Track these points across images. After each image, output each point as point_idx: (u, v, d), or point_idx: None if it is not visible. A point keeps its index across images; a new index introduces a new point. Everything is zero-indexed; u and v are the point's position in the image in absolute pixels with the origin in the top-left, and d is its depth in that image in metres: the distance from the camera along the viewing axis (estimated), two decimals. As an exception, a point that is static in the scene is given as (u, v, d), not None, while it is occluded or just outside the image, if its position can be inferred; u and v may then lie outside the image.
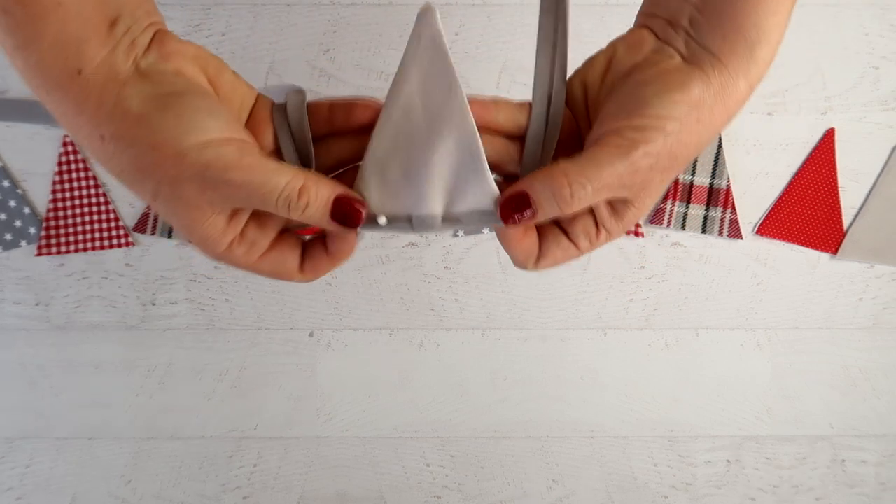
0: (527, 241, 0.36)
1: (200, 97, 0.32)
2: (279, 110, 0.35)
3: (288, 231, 0.36)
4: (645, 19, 0.36)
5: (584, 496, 0.75)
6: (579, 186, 0.32)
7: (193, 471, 0.75)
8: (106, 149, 0.31)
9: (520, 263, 0.38)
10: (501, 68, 0.73)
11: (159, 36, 0.32)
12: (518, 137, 0.37)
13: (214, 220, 0.32)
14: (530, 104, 0.37)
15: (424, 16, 0.32)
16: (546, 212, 0.33)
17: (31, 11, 0.28)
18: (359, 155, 0.35)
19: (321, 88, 0.73)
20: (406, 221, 0.35)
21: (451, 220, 0.35)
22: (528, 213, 0.33)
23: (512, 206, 0.33)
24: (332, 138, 0.37)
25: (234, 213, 0.33)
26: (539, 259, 0.37)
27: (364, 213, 0.34)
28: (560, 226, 0.37)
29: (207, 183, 0.31)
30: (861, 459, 0.75)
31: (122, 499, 0.75)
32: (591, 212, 0.36)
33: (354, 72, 0.73)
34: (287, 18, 0.73)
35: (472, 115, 0.33)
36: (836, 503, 0.75)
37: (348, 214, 0.33)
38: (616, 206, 0.35)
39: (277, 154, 0.36)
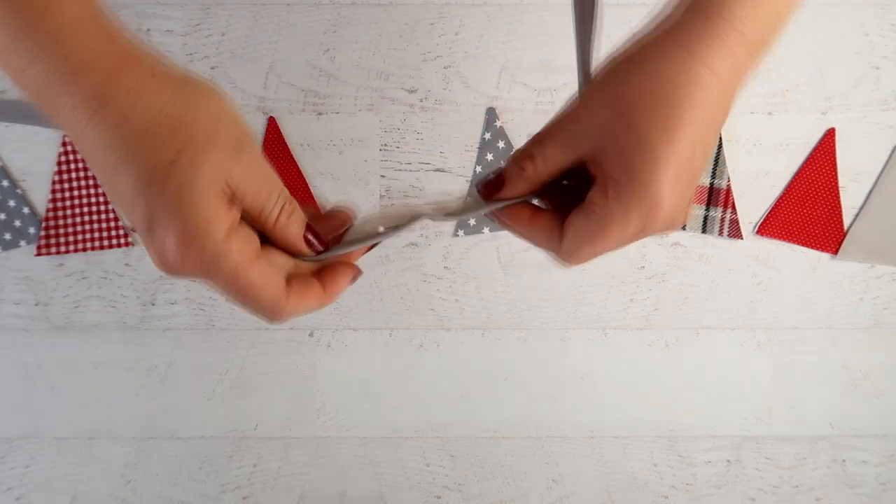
0: (541, 219, 0.37)
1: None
2: None
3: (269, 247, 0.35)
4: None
5: (584, 496, 0.75)
6: (535, 154, 0.35)
7: (193, 471, 0.75)
8: (155, 87, 0.31)
9: (545, 245, 0.37)
10: (501, 68, 0.73)
11: None
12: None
13: (220, 199, 0.31)
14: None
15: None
16: (534, 178, 0.35)
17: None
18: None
19: (321, 88, 0.73)
20: (408, 218, 0.38)
21: (441, 209, 0.38)
22: (498, 183, 0.36)
23: (493, 184, 0.36)
24: None
25: (233, 199, 0.32)
26: (564, 235, 0.36)
27: (326, 242, 0.36)
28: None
29: (237, 148, 0.31)
30: (861, 459, 0.75)
31: (122, 499, 0.75)
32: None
33: (354, 72, 0.73)
34: (287, 18, 0.73)
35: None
36: (836, 503, 0.75)
37: (318, 235, 0.36)
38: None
39: None
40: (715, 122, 0.34)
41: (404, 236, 0.74)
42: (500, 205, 0.36)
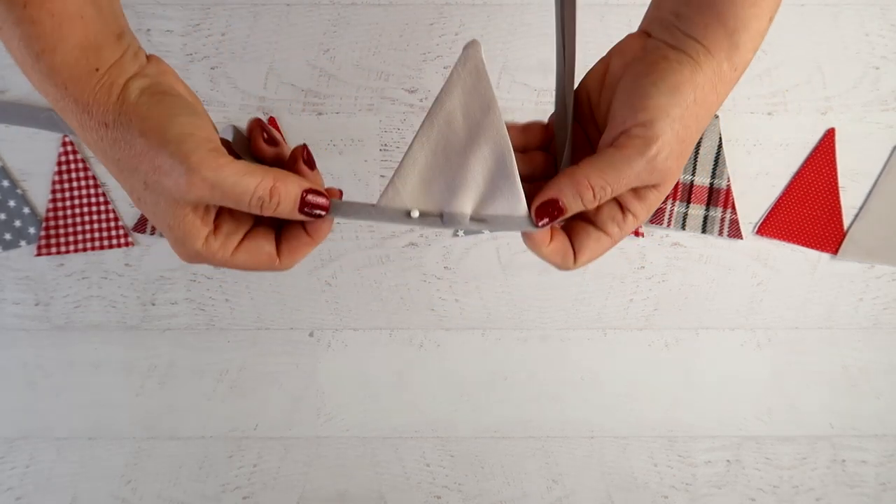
0: (555, 243, 0.40)
1: (187, 102, 0.36)
2: (227, 145, 0.39)
3: (261, 222, 0.39)
4: (642, 25, 0.40)
5: (584, 496, 0.75)
6: (600, 189, 0.37)
7: (193, 471, 0.75)
8: (109, 136, 0.35)
9: (558, 265, 0.41)
10: (501, 68, 0.73)
11: (154, 56, 0.38)
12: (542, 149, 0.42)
13: (193, 213, 0.35)
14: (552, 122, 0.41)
15: (471, 47, 0.38)
16: (572, 210, 0.38)
17: (58, 21, 0.33)
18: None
19: (321, 88, 0.73)
20: (437, 217, 0.39)
21: (478, 220, 0.39)
22: (557, 214, 0.38)
23: (544, 208, 0.38)
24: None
25: (207, 209, 0.36)
26: (577, 255, 0.40)
27: (329, 202, 0.38)
28: (588, 220, 0.40)
29: (187, 174, 0.34)
30: (861, 459, 0.75)
31: (122, 499, 0.75)
32: (616, 199, 0.39)
33: (354, 72, 0.73)
34: (287, 18, 0.73)
35: (506, 131, 0.38)
36: (836, 503, 0.75)
37: (316, 206, 0.37)
38: (639, 191, 0.38)
39: None
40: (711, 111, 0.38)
41: (405, 235, 0.74)
42: (535, 229, 0.39)
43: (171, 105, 0.35)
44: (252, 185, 0.35)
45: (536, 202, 0.38)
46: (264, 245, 0.38)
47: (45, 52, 0.34)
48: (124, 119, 0.34)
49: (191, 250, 0.36)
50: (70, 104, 0.34)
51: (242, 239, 0.38)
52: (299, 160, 0.39)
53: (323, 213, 0.37)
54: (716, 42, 0.37)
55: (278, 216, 0.36)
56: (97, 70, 0.34)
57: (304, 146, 0.39)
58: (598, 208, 0.39)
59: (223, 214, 0.37)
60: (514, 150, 0.38)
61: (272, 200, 0.36)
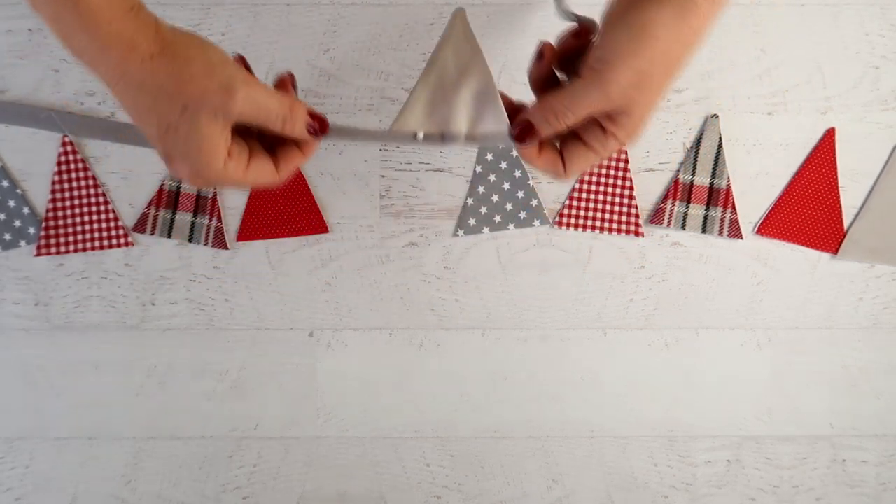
0: (545, 154, 0.48)
1: (215, 45, 0.43)
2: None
3: (255, 146, 0.47)
4: None
5: (584, 496, 0.75)
6: (562, 114, 0.44)
7: (193, 471, 0.75)
8: (152, 66, 0.40)
9: (552, 174, 0.49)
10: (501, 68, 0.73)
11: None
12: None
13: (222, 133, 0.42)
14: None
15: (458, 13, 0.51)
16: (545, 132, 0.46)
17: None
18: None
19: (321, 88, 0.73)
20: (438, 137, 0.49)
21: (471, 137, 0.49)
22: (532, 133, 0.46)
23: (521, 131, 0.46)
24: None
25: (232, 132, 0.43)
26: (567, 168, 0.48)
27: (328, 123, 0.47)
28: (578, 137, 0.47)
29: (229, 93, 0.41)
30: (861, 459, 0.75)
31: (122, 499, 0.75)
32: (597, 121, 0.45)
33: (354, 72, 0.73)
34: (287, 18, 0.73)
35: (489, 68, 0.48)
36: (836, 503, 0.75)
37: (320, 126, 0.46)
38: (612, 115, 0.44)
39: None
40: (698, 47, 0.43)
41: (402, 235, 0.74)
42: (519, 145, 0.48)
43: (200, 38, 0.42)
44: (278, 104, 0.43)
45: (515, 125, 0.47)
46: (266, 163, 0.46)
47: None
48: (169, 50, 0.40)
49: (212, 172, 0.43)
50: (113, 44, 0.39)
51: (249, 160, 0.45)
52: (288, 85, 0.47)
53: (322, 133, 0.46)
54: None
55: (289, 133, 0.45)
56: (132, 9, 0.40)
57: (290, 73, 0.48)
58: (584, 128, 0.46)
59: (233, 140, 0.44)
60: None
61: (293, 117, 0.44)
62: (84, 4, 0.38)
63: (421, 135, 0.49)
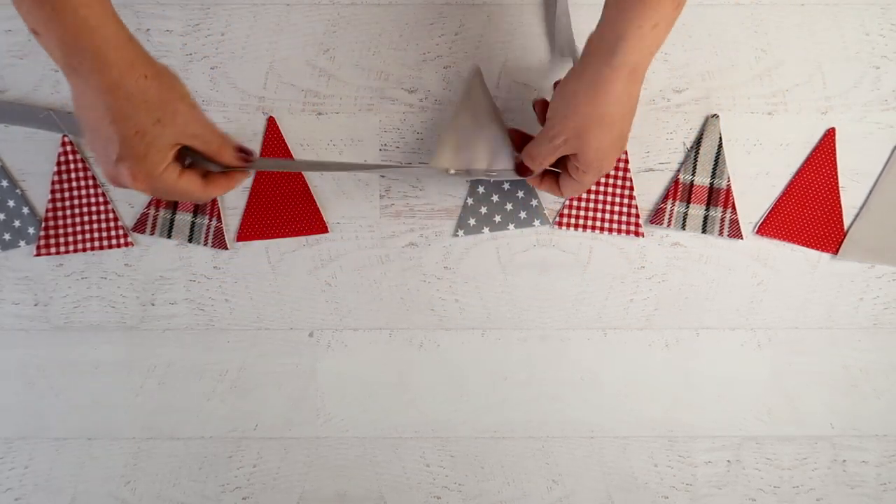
0: (545, 183, 0.66)
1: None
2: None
3: (190, 166, 0.57)
4: None
5: (584, 496, 0.75)
6: (535, 158, 0.62)
7: (193, 471, 0.75)
8: (145, 85, 0.51)
9: (553, 194, 0.66)
10: (501, 68, 0.73)
11: None
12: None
13: (173, 147, 0.53)
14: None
15: (475, 71, 0.72)
16: (534, 170, 0.64)
17: (97, 10, 0.50)
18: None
19: (321, 88, 0.73)
20: (465, 172, 0.67)
21: (489, 172, 0.67)
22: (527, 171, 0.64)
23: (519, 168, 0.65)
24: None
25: (179, 148, 0.54)
26: (561, 192, 0.65)
27: (251, 154, 0.59)
28: (566, 169, 0.62)
29: (192, 117, 0.54)
30: (862, 460, 0.75)
31: (122, 499, 0.75)
32: (571, 158, 0.61)
33: (354, 72, 0.73)
34: (287, 18, 0.73)
35: (502, 119, 0.69)
36: (836, 503, 0.75)
37: (247, 156, 0.59)
38: (573, 157, 0.60)
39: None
40: (630, 102, 0.57)
41: (402, 236, 0.74)
42: (521, 178, 0.67)
43: (175, 73, 0.54)
44: (216, 135, 0.56)
45: (516, 164, 0.65)
46: (196, 178, 0.57)
47: (98, 28, 0.49)
48: (158, 74, 0.52)
49: (152, 173, 0.53)
50: (116, 64, 0.49)
51: (181, 173, 0.55)
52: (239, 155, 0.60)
53: (248, 161, 0.59)
54: (598, 50, 0.54)
55: (220, 159, 0.57)
56: (130, 39, 0.51)
57: (244, 148, 0.60)
58: (567, 163, 0.61)
59: (177, 157, 0.55)
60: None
61: (225, 147, 0.57)
62: (99, 36, 0.49)
63: (452, 171, 0.66)
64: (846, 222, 0.73)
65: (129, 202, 0.74)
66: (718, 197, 0.73)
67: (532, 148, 0.62)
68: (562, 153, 0.60)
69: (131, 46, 0.50)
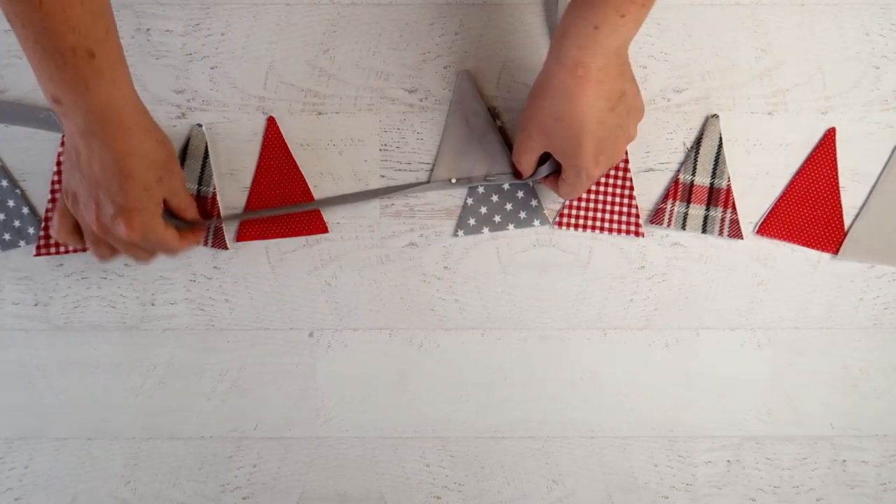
0: (547, 183, 0.68)
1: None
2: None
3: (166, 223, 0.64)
4: None
5: (584, 496, 0.75)
6: (521, 163, 0.66)
7: (193, 471, 0.75)
8: (158, 148, 0.60)
9: (556, 194, 0.69)
10: (501, 68, 0.73)
11: None
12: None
13: (160, 204, 0.62)
14: None
15: (462, 76, 0.72)
16: (525, 173, 0.68)
17: (119, 73, 0.56)
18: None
19: (321, 88, 0.73)
20: (466, 180, 0.71)
21: (489, 178, 0.71)
22: (520, 175, 0.69)
23: (517, 172, 0.69)
24: None
25: (158, 204, 0.62)
26: (559, 192, 0.67)
27: (214, 216, 0.71)
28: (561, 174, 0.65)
29: (181, 181, 0.65)
30: (862, 460, 0.75)
31: (122, 499, 0.75)
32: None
33: (354, 72, 0.73)
34: (287, 18, 0.73)
35: (496, 125, 0.72)
36: (836, 503, 0.75)
37: (206, 215, 0.70)
38: (559, 158, 0.63)
39: None
40: (585, 100, 0.56)
41: (402, 236, 0.74)
42: (519, 181, 0.71)
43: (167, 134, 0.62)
44: (191, 199, 0.67)
45: (513, 169, 0.70)
46: (174, 231, 0.64)
47: (125, 105, 0.56)
48: (165, 139, 0.61)
49: (148, 224, 0.60)
50: (136, 131, 0.57)
51: (166, 225, 0.63)
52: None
53: (206, 220, 0.70)
54: (550, 48, 0.57)
55: (187, 213, 0.66)
56: (146, 113, 0.59)
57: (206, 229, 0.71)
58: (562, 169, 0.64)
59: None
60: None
61: (193, 203, 0.67)
62: (126, 112, 0.55)
63: (454, 180, 0.71)
64: (846, 222, 0.73)
65: (129, 202, 0.74)
66: (718, 197, 0.73)
67: (514, 149, 0.66)
68: (539, 151, 0.63)
69: (146, 115, 0.58)
